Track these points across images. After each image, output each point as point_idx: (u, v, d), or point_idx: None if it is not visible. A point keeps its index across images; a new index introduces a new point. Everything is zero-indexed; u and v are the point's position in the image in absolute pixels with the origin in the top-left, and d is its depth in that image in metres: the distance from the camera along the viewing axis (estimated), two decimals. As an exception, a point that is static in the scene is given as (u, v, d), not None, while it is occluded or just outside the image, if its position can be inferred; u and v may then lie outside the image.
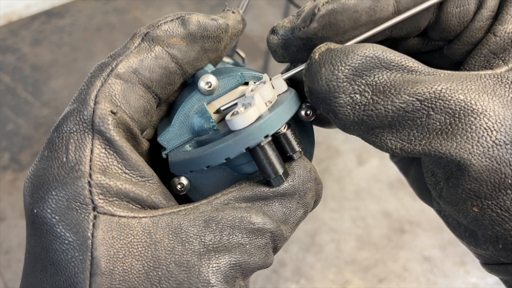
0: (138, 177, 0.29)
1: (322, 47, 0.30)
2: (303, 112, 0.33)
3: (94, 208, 0.27)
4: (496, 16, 0.32)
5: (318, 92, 0.29)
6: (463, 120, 0.28)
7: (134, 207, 0.28)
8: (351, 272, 0.93)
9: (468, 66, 0.32)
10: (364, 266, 0.94)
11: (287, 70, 0.35)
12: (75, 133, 0.28)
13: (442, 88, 0.28)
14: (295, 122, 0.33)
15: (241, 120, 0.28)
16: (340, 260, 0.95)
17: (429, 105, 0.28)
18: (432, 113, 0.28)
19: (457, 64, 0.34)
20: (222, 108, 0.32)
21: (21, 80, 1.13)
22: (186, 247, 0.28)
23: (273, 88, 0.31)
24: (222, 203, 0.30)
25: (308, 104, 0.33)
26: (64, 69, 1.15)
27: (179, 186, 0.32)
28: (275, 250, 0.32)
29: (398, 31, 0.33)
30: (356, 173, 1.08)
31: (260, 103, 0.29)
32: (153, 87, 0.31)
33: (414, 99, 0.28)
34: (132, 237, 0.27)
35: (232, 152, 0.28)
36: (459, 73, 0.29)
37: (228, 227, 0.29)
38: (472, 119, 0.28)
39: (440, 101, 0.28)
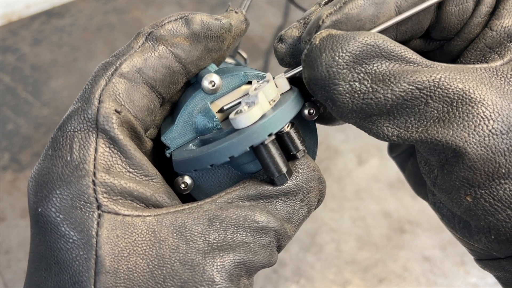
0: (142, 176, 0.29)
1: (323, 32, 0.29)
2: (306, 111, 0.33)
3: (99, 207, 0.27)
4: (493, 12, 0.32)
5: (318, 79, 0.29)
6: (460, 109, 0.28)
7: (138, 206, 0.28)
8: (351, 272, 0.93)
9: (464, 59, 0.33)
10: (364, 266, 0.94)
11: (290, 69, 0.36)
12: (79, 132, 0.28)
13: (441, 77, 0.28)
14: (299, 121, 0.34)
15: (245, 118, 0.28)
16: (340, 260, 0.95)
17: (428, 93, 0.28)
18: (431, 101, 0.28)
19: (455, 59, 0.34)
20: (225, 107, 0.32)
21: (21, 80, 1.12)
22: (191, 245, 0.28)
23: (277, 87, 0.31)
24: (226, 202, 0.30)
25: (311, 103, 0.33)
26: (64, 69, 1.15)
27: (182, 185, 0.32)
28: (279, 248, 0.32)
29: (402, 34, 0.33)
30: (356, 173, 1.08)
31: (263, 101, 0.29)
32: (156, 86, 0.31)
33: (413, 87, 0.28)
34: (137, 235, 0.27)
35: (236, 151, 0.28)
36: (456, 66, 0.29)
37: (232, 226, 0.29)
38: (470, 107, 0.28)
39: (439, 89, 0.28)
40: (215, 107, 0.33)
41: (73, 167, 0.28)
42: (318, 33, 0.30)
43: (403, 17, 0.31)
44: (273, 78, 0.32)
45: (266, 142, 0.29)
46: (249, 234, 0.29)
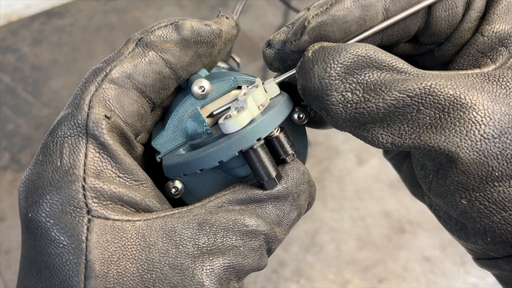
0: (132, 181, 0.29)
1: (316, 45, 0.30)
2: (296, 115, 0.33)
3: (88, 212, 0.27)
4: (483, 16, 0.32)
5: (311, 90, 0.29)
6: (452, 114, 0.28)
7: (128, 210, 0.29)
8: (351, 272, 0.93)
9: (456, 65, 0.33)
10: (364, 266, 0.94)
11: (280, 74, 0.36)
12: (69, 138, 0.28)
13: (431, 84, 0.28)
14: (288, 125, 0.34)
15: (234, 123, 0.28)
16: (340, 260, 0.95)
17: (419, 100, 0.28)
18: (422, 108, 0.28)
19: (446, 64, 0.34)
20: (215, 112, 0.33)
21: (21, 80, 1.13)
22: (180, 249, 0.28)
23: (266, 92, 0.32)
24: (216, 206, 0.30)
25: (300, 107, 0.33)
26: (64, 69, 1.15)
27: (173, 190, 0.32)
28: (269, 252, 0.32)
29: (388, 38, 0.33)
30: (356, 173, 1.08)
31: (252, 106, 0.29)
32: (147, 91, 0.31)
33: (404, 95, 0.28)
34: (126, 240, 0.27)
35: (225, 155, 0.28)
36: (447, 72, 0.30)
37: (222, 230, 0.29)
38: (461, 113, 0.28)
39: (430, 96, 0.28)
40: (205, 112, 0.33)
41: (63, 172, 0.28)
42: (311, 45, 0.30)
43: (391, 22, 0.31)
44: (263, 83, 0.32)
45: (255, 147, 0.29)
46: (239, 238, 0.29)
